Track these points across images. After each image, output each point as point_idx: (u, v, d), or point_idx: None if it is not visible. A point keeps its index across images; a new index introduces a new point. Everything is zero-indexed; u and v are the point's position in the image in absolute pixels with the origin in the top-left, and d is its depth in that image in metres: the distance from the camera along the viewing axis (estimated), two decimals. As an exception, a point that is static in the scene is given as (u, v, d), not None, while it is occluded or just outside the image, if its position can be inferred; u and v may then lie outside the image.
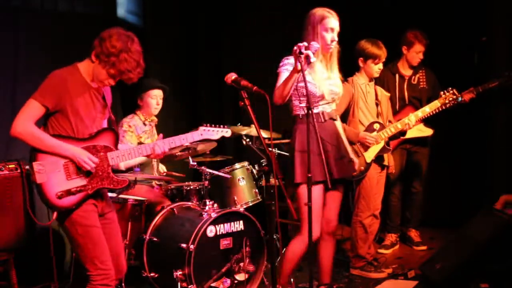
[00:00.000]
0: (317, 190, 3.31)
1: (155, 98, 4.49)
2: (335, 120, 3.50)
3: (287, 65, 3.36)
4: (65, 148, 2.84)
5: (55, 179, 2.82)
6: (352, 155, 3.56)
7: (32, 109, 2.81)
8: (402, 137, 4.64)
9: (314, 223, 3.22)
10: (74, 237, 2.88)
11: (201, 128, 3.36)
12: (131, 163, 4.09)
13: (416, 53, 4.88)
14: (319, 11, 3.37)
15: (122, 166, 4.14)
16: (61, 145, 2.83)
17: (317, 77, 3.34)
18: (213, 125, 3.41)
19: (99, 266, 2.87)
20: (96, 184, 2.92)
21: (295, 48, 3.02)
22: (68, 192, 2.83)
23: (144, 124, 4.48)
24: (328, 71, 3.42)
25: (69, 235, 2.91)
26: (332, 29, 3.34)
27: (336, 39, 3.36)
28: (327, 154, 3.28)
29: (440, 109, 4.52)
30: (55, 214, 2.84)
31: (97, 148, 2.93)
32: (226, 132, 3.46)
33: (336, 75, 3.46)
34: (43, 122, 2.91)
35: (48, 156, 2.82)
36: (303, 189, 3.29)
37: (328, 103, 3.44)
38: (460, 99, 4.50)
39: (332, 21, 3.35)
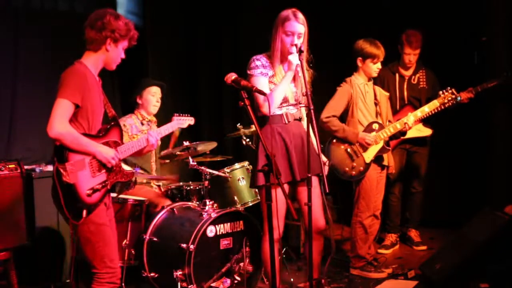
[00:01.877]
0: (280, 190, 3.22)
1: (154, 95, 4.51)
2: (300, 120, 3.48)
3: (259, 68, 3.34)
4: (95, 146, 2.90)
5: (83, 178, 2.85)
6: (322, 156, 3.55)
7: (65, 109, 2.81)
8: (402, 137, 4.64)
9: (276, 222, 3.20)
10: (86, 235, 2.89)
11: (176, 118, 3.88)
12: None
13: (406, 54, 4.87)
14: (284, 13, 3.33)
15: None
16: (92, 143, 2.89)
17: (280, 80, 3.32)
18: (182, 114, 3.94)
19: (108, 264, 2.91)
20: (112, 178, 3.00)
21: (294, 46, 3.04)
22: (94, 189, 2.88)
23: (142, 124, 4.49)
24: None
25: (80, 233, 2.90)
26: (293, 33, 3.28)
27: (296, 42, 3.26)
28: (290, 155, 3.31)
29: (440, 109, 4.51)
30: (84, 212, 2.84)
31: (109, 144, 3.00)
32: (191, 120, 4.04)
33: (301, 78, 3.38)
34: None
35: (75, 155, 2.84)
36: (263, 192, 3.25)
37: (293, 105, 3.42)
38: (459, 98, 4.50)
39: (293, 24, 3.28)
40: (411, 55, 4.86)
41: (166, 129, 3.55)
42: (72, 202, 2.83)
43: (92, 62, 2.98)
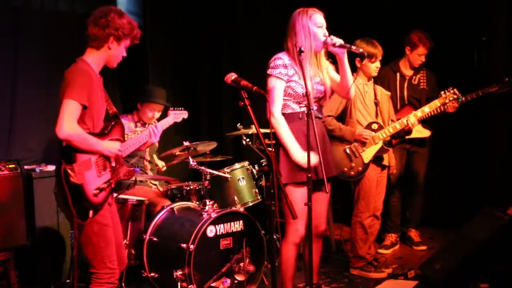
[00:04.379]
0: (302, 190, 3.23)
1: (152, 111, 4.52)
2: (320, 118, 3.47)
3: (279, 68, 3.30)
4: (100, 143, 2.88)
5: (90, 178, 2.83)
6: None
7: (73, 110, 2.77)
8: (407, 136, 4.61)
9: (300, 222, 3.22)
10: (88, 235, 2.86)
11: (171, 112, 3.77)
12: None
13: (418, 55, 4.88)
14: (304, 10, 3.33)
15: None
16: (98, 141, 2.87)
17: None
18: (177, 108, 3.85)
19: (108, 265, 2.90)
20: (116, 177, 2.99)
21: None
22: (100, 189, 2.87)
23: (136, 126, 4.52)
24: (315, 70, 3.38)
25: (83, 233, 2.87)
26: (322, 25, 3.32)
27: (327, 34, 3.32)
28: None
29: (440, 110, 4.51)
30: (91, 212, 2.82)
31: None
32: (184, 114, 3.95)
33: (324, 73, 3.41)
34: None
35: (82, 156, 2.82)
36: (289, 190, 3.25)
37: (314, 102, 3.40)
38: (460, 99, 4.50)
39: (320, 16, 3.33)
40: (423, 56, 4.88)
41: (163, 124, 3.53)
42: (79, 202, 2.80)
43: (94, 60, 2.95)
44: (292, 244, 3.37)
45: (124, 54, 3.02)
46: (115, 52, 2.96)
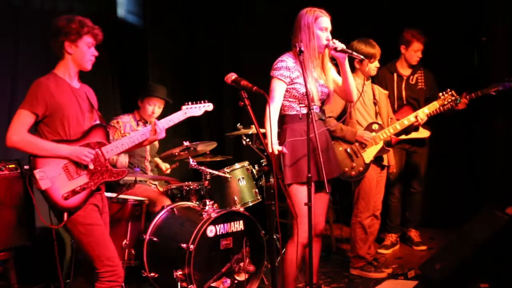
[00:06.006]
0: (305, 190, 3.21)
1: (152, 105, 4.50)
2: (323, 120, 3.49)
3: (281, 69, 3.31)
4: (61, 148, 2.92)
5: (58, 182, 2.89)
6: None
7: (23, 118, 2.88)
8: (414, 131, 4.60)
9: (305, 223, 3.22)
10: (78, 237, 2.94)
11: (184, 107, 3.44)
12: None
13: (414, 51, 4.88)
14: (311, 11, 3.34)
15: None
16: (57, 146, 2.92)
17: (308, 79, 3.28)
18: (194, 102, 3.48)
19: (106, 262, 2.94)
20: (97, 179, 3.01)
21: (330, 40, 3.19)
22: (74, 192, 2.91)
23: (137, 124, 4.51)
24: (319, 72, 3.39)
25: (73, 236, 2.98)
26: (326, 29, 3.33)
27: (331, 38, 3.33)
28: (316, 155, 3.26)
29: (439, 111, 4.51)
30: (65, 215, 2.90)
31: (91, 145, 3.02)
32: (208, 106, 3.53)
33: (328, 75, 3.42)
34: (34, 131, 2.96)
35: (47, 161, 2.88)
36: (293, 190, 3.28)
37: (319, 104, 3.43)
38: (459, 100, 4.49)
39: (326, 20, 3.33)
40: (419, 51, 4.87)
41: (171, 119, 3.36)
42: (50, 207, 2.92)
43: (63, 69, 3.02)
44: (300, 245, 3.34)
45: (95, 53, 3.04)
46: (78, 54, 2.99)
